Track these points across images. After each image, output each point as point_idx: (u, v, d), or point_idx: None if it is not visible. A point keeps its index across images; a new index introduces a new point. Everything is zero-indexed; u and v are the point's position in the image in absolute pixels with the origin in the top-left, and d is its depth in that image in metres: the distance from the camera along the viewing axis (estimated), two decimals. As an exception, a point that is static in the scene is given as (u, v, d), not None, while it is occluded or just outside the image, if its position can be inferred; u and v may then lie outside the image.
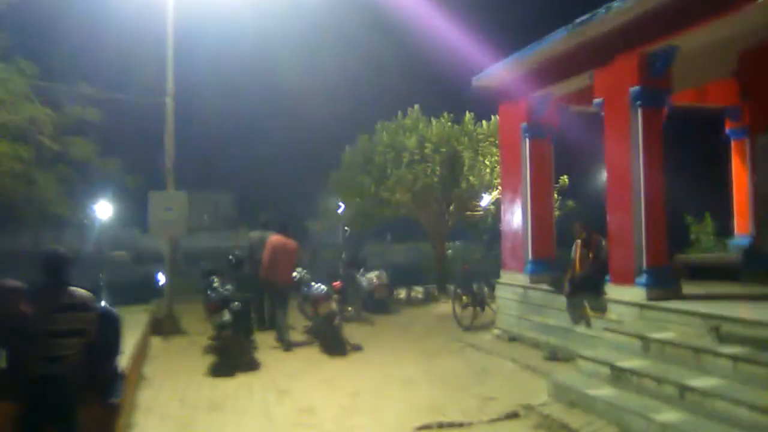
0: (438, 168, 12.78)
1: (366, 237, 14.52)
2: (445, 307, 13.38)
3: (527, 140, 9.38)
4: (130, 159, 14.92)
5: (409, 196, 13.23)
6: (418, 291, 15.35)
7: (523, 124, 9.39)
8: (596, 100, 7.67)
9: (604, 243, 7.70)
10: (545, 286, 8.72)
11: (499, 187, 13.82)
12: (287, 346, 9.03)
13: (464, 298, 10.76)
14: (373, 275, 12.38)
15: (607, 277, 7.45)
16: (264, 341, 9.22)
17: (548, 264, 9.33)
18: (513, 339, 9.26)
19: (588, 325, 7.60)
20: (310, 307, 9.56)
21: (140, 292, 16.78)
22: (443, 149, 13.06)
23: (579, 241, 7.92)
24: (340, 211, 15.08)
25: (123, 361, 5.69)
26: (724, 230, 14.36)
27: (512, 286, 9.51)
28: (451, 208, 14.52)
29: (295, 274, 10.53)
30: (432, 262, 15.81)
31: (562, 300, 8.10)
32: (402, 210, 14.27)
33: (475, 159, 13.31)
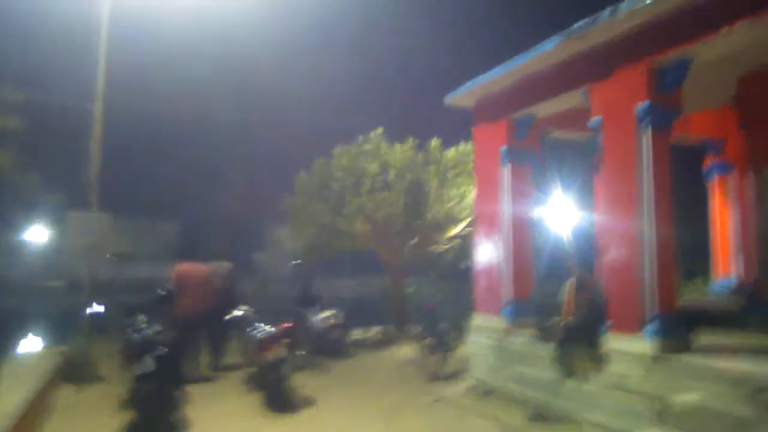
0: (402, 196, 11.65)
1: (318, 271, 13.14)
2: (405, 350, 12.08)
3: (507, 165, 8.37)
4: (57, 175, 13.24)
5: (369, 226, 12.01)
6: (376, 331, 14.02)
7: (503, 148, 8.38)
8: (593, 120, 6.72)
9: (599, 285, 6.66)
10: (528, 332, 7.59)
11: (466, 220, 12.83)
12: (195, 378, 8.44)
13: (429, 341, 9.52)
14: (327, 314, 11.01)
15: (604, 324, 6.39)
16: (200, 392, 7.71)
17: (528, 306, 8.24)
18: (489, 392, 8.04)
19: (583, 379, 6.47)
20: (254, 351, 8.11)
21: (69, 324, 14.85)
22: (407, 176, 11.97)
23: (571, 281, 6.85)
24: (292, 242, 13.67)
25: (4, 421, 4.21)
26: (698, 273, 13.73)
27: (488, 330, 8.34)
28: (413, 241, 13.38)
29: (238, 312, 9.11)
30: (389, 299, 14.53)
31: (549, 349, 6.97)
32: (360, 242, 13.03)
33: (441, 188, 12.26)
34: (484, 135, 9.00)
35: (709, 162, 10.35)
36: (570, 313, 6.73)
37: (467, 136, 12.82)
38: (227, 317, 9.29)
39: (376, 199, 11.41)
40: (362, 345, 12.68)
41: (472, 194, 12.28)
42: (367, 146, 12.31)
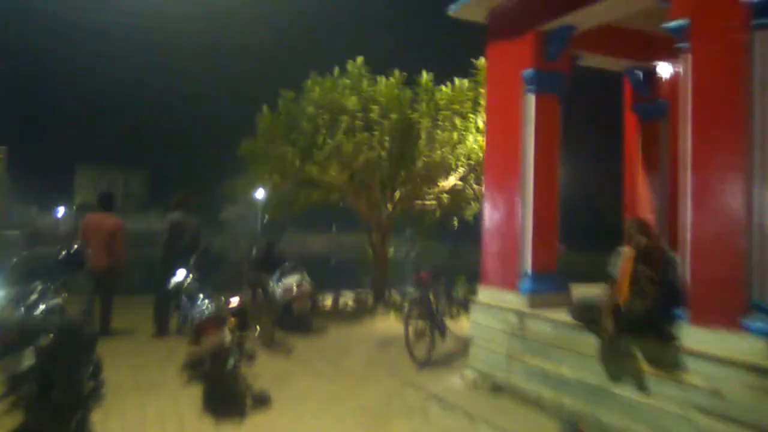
0: (387, 139, 9.56)
1: (283, 228, 11.12)
2: (387, 323, 10.22)
3: (532, 95, 6.33)
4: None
5: (346, 175, 9.94)
6: (349, 298, 12.13)
7: (527, 72, 6.32)
8: (674, 23, 4.69)
9: (676, 258, 4.76)
10: (557, 315, 5.71)
11: (462, 170, 10.85)
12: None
13: (420, 321, 7.64)
14: (292, 281, 9.02)
15: (678, 313, 4.52)
16: (125, 383, 5.68)
17: (553, 279, 6.36)
18: (498, 388, 6.21)
19: (643, 388, 4.64)
20: (192, 334, 6.08)
21: None
22: (393, 115, 9.85)
23: (630, 249, 4.93)
24: (258, 194, 11.54)
25: None
26: None
27: (499, 309, 6.44)
28: (397, 193, 11.36)
29: (177, 278, 7.11)
30: (368, 260, 12.58)
31: (589, 340, 5.12)
32: (335, 193, 10.99)
33: (434, 131, 10.19)
34: (500, 56, 6.89)
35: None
36: (625, 294, 4.82)
37: (464, 71, 10.75)
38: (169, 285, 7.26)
39: (355, 141, 9.30)
40: (335, 316, 10.78)
41: (470, 139, 10.27)
42: (346, 79, 10.10)
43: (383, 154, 9.60)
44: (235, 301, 6.14)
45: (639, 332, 4.74)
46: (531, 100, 6.35)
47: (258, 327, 8.30)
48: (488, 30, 7.00)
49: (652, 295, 4.68)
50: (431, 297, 7.83)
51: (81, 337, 5.08)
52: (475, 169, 10.94)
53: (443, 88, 10.70)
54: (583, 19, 5.92)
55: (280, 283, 9.00)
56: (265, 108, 10.68)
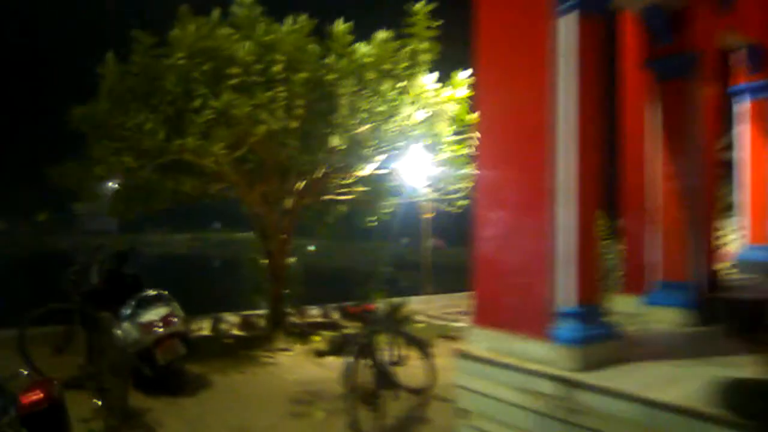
0: (299, 103, 6.65)
1: (134, 250, 7.68)
2: (290, 361, 7.41)
3: (571, 19, 3.83)
4: None
5: (234, 155, 6.89)
6: (234, 324, 9.09)
7: (562, -19, 3.81)
8: None
9: None
10: (661, 394, 3.25)
11: (388, 151, 8.22)
12: None
13: (364, 367, 4.93)
14: (154, 315, 5.84)
15: None
16: None
17: (601, 319, 3.94)
18: None
19: None
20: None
21: None
22: (302, 72, 6.92)
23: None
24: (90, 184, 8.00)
25: None
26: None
27: (518, 371, 3.87)
28: (300, 183, 8.47)
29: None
30: (257, 269, 9.55)
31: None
32: (216, 183, 7.88)
33: (358, 98, 7.42)
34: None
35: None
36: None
37: (389, 23, 8.11)
38: None
39: (252, 103, 6.26)
40: (217, 351, 7.70)
41: (403, 111, 7.66)
42: (230, 25, 6.98)
43: (293, 125, 6.66)
44: (34, 395, 3.01)
45: None
46: (569, 26, 3.84)
47: (101, 394, 5.10)
48: None
49: None
50: (379, 339, 5.17)
51: None
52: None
53: (362, 45, 7.94)
54: None
55: (135, 321, 5.79)
56: (109, 57, 7.23)
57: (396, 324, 5.44)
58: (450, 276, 12.73)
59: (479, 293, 4.39)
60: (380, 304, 6.46)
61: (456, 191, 9.04)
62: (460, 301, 12.91)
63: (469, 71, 8.04)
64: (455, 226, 10.78)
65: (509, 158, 4.24)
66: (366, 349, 5.05)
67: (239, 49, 6.54)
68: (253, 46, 6.57)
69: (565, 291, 3.80)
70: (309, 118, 7.22)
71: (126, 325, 5.76)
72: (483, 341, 4.25)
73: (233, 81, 6.33)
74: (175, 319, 5.91)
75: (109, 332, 5.33)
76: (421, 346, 5.28)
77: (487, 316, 4.29)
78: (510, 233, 4.15)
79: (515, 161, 4.18)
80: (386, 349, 5.39)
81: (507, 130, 4.29)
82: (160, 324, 5.78)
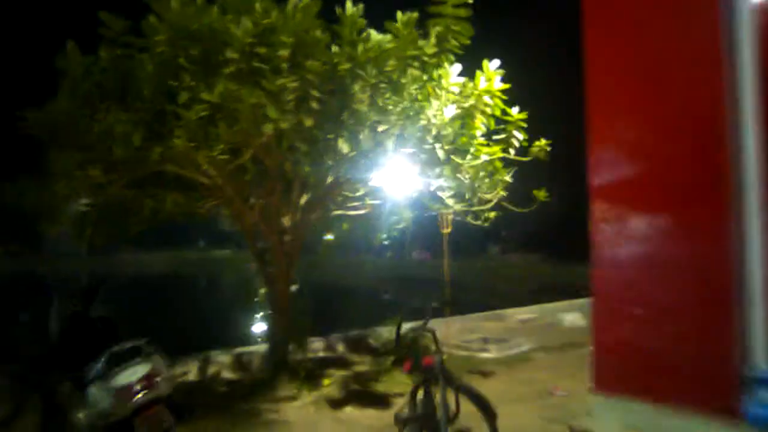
0: (315, 94, 5.31)
1: (104, 282, 6.27)
2: (301, 414, 6.05)
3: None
4: None
5: (231, 163, 5.51)
6: (225, 364, 7.71)
7: None
8: None
9: None
10: None
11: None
12: None
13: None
14: (131, 377, 4.41)
15: None
16: None
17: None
18: None
19: None
20: None
21: None
22: (316, 60, 5.59)
23: None
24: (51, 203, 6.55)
25: None
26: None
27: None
28: (304, 197, 7.11)
29: None
30: (258, 299, 8.16)
31: None
32: (209, 199, 6.50)
33: (377, 91, 6.10)
34: None
35: None
36: None
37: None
38: None
39: (258, 94, 4.89)
40: (205, 404, 6.26)
41: (432, 107, 6.39)
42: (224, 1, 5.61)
43: (308, 122, 5.29)
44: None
45: None
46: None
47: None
48: None
49: None
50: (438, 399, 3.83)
51: None
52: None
53: (373, 31, 6.62)
54: None
55: (107, 385, 4.36)
56: (71, 46, 5.82)
57: (456, 379, 4.07)
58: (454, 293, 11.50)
59: (603, 344, 3.06)
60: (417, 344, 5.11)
61: (485, 201, 7.79)
62: (475, 324, 11.68)
63: (497, 62, 6.80)
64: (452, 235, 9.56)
65: (663, 144, 2.94)
66: (422, 419, 3.72)
67: (233, 29, 5.18)
68: (252, 27, 5.22)
69: (765, 341, 2.51)
70: (319, 117, 5.88)
71: (95, 390, 4.32)
72: (614, 418, 2.92)
73: (230, 68, 4.96)
74: (159, 379, 4.48)
75: (70, 408, 3.89)
76: (486, 409, 3.94)
77: (620, 380, 2.96)
78: (661, 250, 2.84)
79: (677, 148, 2.88)
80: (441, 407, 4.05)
81: (656, 118, 2.99)
82: (140, 387, 4.35)
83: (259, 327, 8.02)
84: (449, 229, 9.02)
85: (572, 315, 12.99)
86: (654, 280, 2.74)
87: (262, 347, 7.87)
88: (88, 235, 6.71)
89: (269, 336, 7.54)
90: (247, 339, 8.40)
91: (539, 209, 7.83)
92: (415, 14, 6.44)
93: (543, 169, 7.71)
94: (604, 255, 2.94)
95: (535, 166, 7.42)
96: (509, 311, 13.85)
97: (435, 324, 10.32)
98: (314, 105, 5.29)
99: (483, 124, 6.75)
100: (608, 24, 3.06)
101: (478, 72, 6.71)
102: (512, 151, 6.72)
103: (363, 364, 8.19)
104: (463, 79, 6.67)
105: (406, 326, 5.23)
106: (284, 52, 5.19)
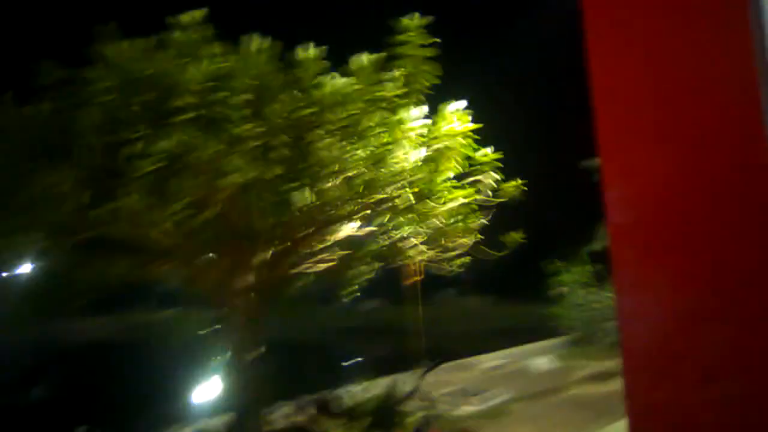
0: (280, 143, 4.91)
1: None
2: None
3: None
4: None
5: (191, 221, 5.01)
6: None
7: None
8: None
9: None
10: None
11: (371, 205, 6.62)
12: None
13: None
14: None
15: None
16: None
17: None
18: None
19: None
20: None
21: None
22: (278, 103, 5.23)
23: None
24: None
25: None
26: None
27: None
28: (268, 252, 6.61)
29: None
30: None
31: None
32: (162, 262, 5.92)
33: (344, 138, 5.76)
34: None
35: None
36: None
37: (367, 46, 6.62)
38: None
39: (221, 141, 4.47)
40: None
41: (399, 154, 6.13)
42: (179, 35, 5.21)
43: (277, 171, 4.86)
44: None
45: None
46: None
47: None
48: None
49: None
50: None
51: None
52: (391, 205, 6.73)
53: (334, 75, 6.33)
54: None
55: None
56: (5, 97, 5.23)
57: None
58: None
59: (639, 407, 2.70)
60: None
61: (455, 248, 7.47)
62: (447, 376, 11.22)
63: (464, 102, 6.64)
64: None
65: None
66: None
67: (188, 72, 4.77)
68: (210, 70, 4.83)
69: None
70: (284, 166, 5.47)
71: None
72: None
73: (187, 115, 4.53)
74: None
75: None
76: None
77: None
78: (701, 299, 2.53)
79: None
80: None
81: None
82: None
83: (218, 398, 7.30)
84: (420, 277, 8.66)
85: (539, 359, 12.79)
86: (695, 335, 2.41)
87: (222, 420, 7.15)
88: (26, 310, 5.97)
89: (235, 408, 6.84)
90: (206, 412, 7.64)
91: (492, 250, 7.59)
92: (383, 54, 6.23)
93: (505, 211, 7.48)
94: (627, 304, 2.59)
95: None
96: (477, 358, 13.49)
97: (406, 378, 9.86)
98: (280, 152, 4.89)
99: (455, 165, 6.50)
100: (618, 46, 2.80)
101: (445, 113, 6.51)
102: (490, 192, 6.49)
103: (338, 429, 7.67)
104: (428, 121, 6.46)
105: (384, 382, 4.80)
106: (244, 97, 4.81)
